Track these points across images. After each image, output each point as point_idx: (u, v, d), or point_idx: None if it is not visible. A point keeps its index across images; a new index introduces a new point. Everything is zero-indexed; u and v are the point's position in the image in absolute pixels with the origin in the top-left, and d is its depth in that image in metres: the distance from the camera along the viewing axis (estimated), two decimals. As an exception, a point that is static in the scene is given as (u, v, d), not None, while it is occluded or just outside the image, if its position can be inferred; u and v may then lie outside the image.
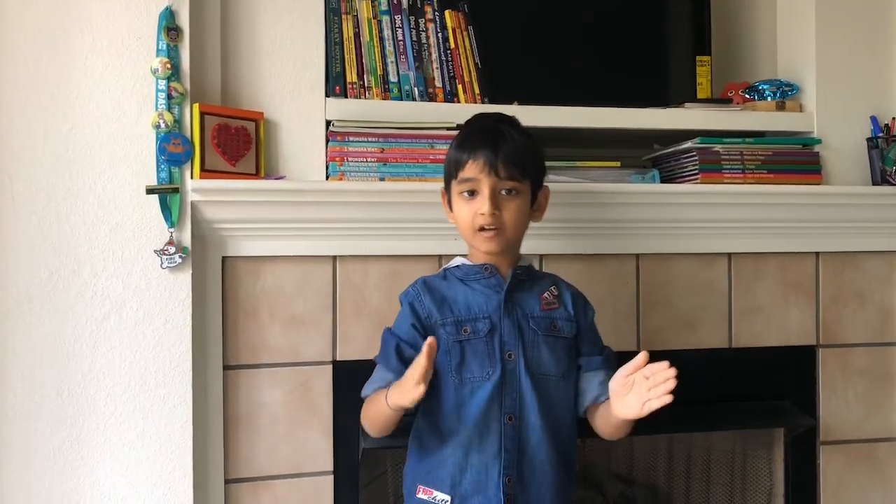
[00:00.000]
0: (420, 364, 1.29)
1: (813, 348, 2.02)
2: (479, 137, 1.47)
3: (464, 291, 1.49)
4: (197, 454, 1.66)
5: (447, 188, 1.53)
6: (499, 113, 1.58)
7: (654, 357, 1.89)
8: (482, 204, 1.44)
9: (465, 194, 1.47)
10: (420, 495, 1.44)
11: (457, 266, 1.53)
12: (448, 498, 1.42)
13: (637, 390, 1.34)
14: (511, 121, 1.53)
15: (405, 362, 1.44)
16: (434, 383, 1.43)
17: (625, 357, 1.89)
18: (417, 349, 1.41)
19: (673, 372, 1.30)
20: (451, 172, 1.50)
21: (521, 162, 1.46)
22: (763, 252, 1.98)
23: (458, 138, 1.52)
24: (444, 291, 1.49)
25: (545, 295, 1.51)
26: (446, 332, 1.45)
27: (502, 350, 1.44)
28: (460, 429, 1.42)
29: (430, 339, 1.30)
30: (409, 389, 1.30)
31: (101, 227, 1.61)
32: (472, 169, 1.45)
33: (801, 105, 2.05)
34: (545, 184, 1.56)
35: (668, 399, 1.30)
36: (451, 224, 1.54)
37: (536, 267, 1.84)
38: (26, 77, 1.59)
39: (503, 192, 1.45)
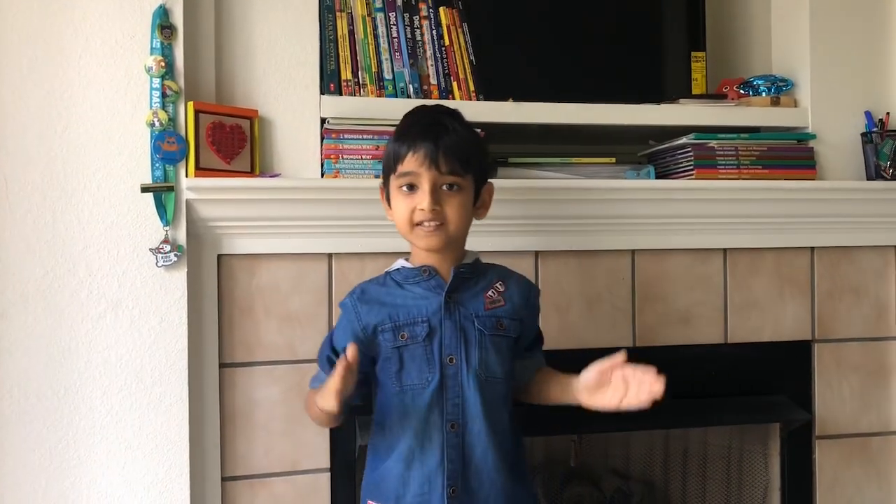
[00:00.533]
0: (334, 378, 1.27)
1: (808, 343, 2.02)
2: (420, 129, 1.40)
3: (402, 295, 1.43)
4: (193, 452, 1.66)
5: (385, 183, 1.46)
6: (440, 105, 1.51)
7: (649, 353, 1.91)
8: (422, 199, 1.37)
9: (405, 189, 1.39)
10: None
11: (397, 269, 1.47)
12: None
13: (615, 387, 1.34)
14: (453, 113, 1.46)
15: None
16: (378, 392, 1.44)
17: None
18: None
19: (660, 385, 1.29)
20: (389, 166, 1.43)
21: (465, 156, 1.39)
22: (758, 247, 1.98)
23: (398, 130, 1.44)
24: (381, 297, 1.43)
25: (489, 293, 1.45)
26: (384, 338, 1.40)
27: (442, 354, 1.38)
28: (402, 439, 1.38)
29: (349, 350, 1.27)
30: (326, 399, 1.30)
31: (97, 226, 1.61)
32: (412, 162, 1.37)
33: (795, 100, 2.05)
34: (490, 181, 1.50)
35: (646, 405, 1.29)
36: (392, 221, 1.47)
37: (531, 263, 1.85)
38: (20, 76, 1.58)
39: (444, 188, 1.39)
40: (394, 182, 1.42)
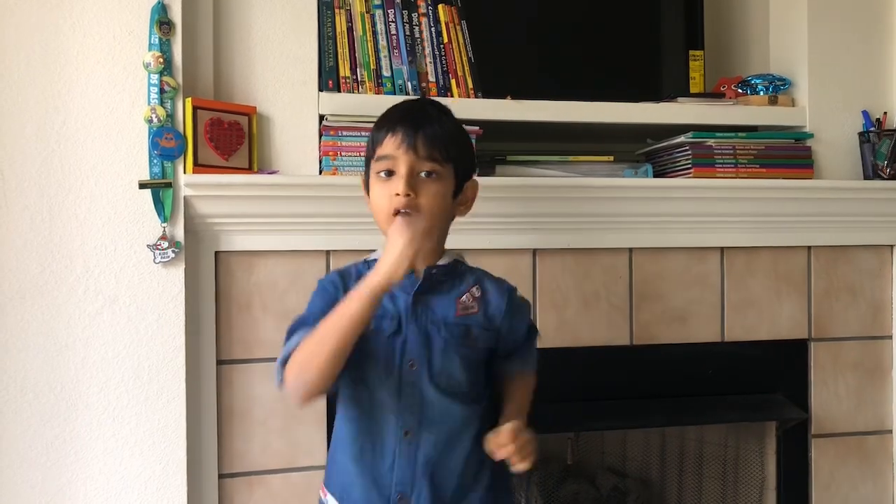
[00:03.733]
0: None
1: (805, 342, 2.03)
2: (401, 114, 1.35)
3: None
4: (191, 449, 1.66)
5: (366, 171, 1.39)
6: (429, 98, 1.47)
7: (646, 352, 1.91)
8: (397, 184, 1.30)
9: (383, 174, 1.32)
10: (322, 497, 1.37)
11: (374, 259, 1.35)
12: None
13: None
14: (439, 105, 1.41)
15: None
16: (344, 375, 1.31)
17: (617, 351, 1.91)
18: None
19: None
20: (369, 153, 1.37)
21: (444, 143, 1.32)
22: (755, 246, 1.98)
23: (381, 116, 1.39)
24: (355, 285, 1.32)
25: (464, 298, 1.36)
26: None
27: (403, 357, 1.30)
28: (354, 435, 1.32)
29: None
30: (362, 296, 1.20)
31: (94, 222, 1.61)
32: (390, 145, 1.31)
33: (793, 99, 2.05)
34: (475, 178, 1.43)
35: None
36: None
37: (528, 261, 1.85)
38: (18, 72, 1.58)
39: (422, 175, 1.31)
40: (373, 168, 1.35)
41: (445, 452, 1.33)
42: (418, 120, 1.33)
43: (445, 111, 1.40)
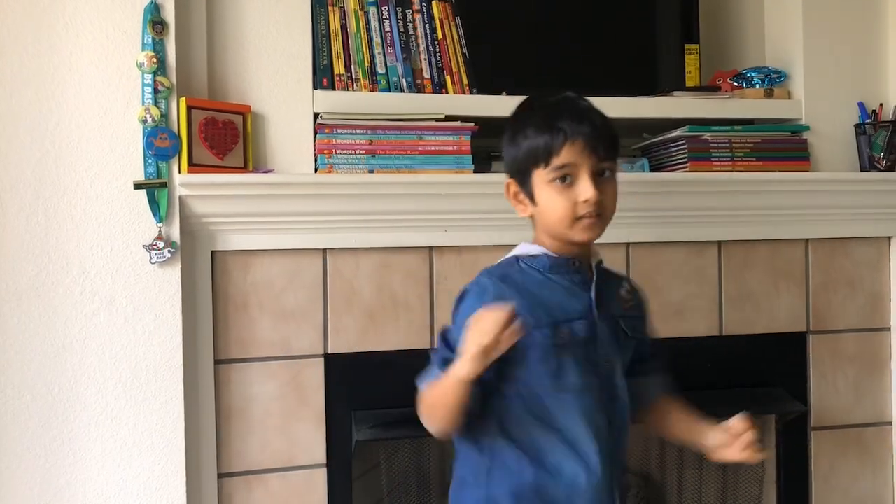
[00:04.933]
0: (485, 334, 1.13)
1: (803, 335, 2.03)
2: (569, 115, 1.28)
3: (550, 286, 1.30)
4: (189, 449, 1.66)
5: (523, 180, 1.31)
6: (573, 93, 1.36)
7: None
8: (585, 189, 1.25)
9: (558, 182, 1.27)
10: None
11: (532, 256, 1.32)
12: None
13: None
14: (584, 98, 1.35)
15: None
16: (523, 391, 1.28)
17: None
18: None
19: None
20: (534, 160, 1.28)
21: (615, 139, 1.30)
22: (753, 239, 1.98)
23: (535, 120, 1.30)
24: (528, 287, 1.29)
25: (622, 293, 1.38)
26: (542, 335, 1.25)
27: (598, 353, 1.30)
28: (564, 443, 1.27)
29: (509, 307, 1.14)
30: (465, 364, 1.15)
31: (89, 223, 1.60)
32: (570, 154, 1.25)
33: (789, 92, 2.05)
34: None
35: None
36: (522, 217, 1.35)
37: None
38: (11, 72, 1.58)
39: (603, 174, 1.28)
40: (544, 176, 1.28)
41: (626, 438, 1.36)
42: (592, 118, 1.29)
43: (590, 103, 1.35)
